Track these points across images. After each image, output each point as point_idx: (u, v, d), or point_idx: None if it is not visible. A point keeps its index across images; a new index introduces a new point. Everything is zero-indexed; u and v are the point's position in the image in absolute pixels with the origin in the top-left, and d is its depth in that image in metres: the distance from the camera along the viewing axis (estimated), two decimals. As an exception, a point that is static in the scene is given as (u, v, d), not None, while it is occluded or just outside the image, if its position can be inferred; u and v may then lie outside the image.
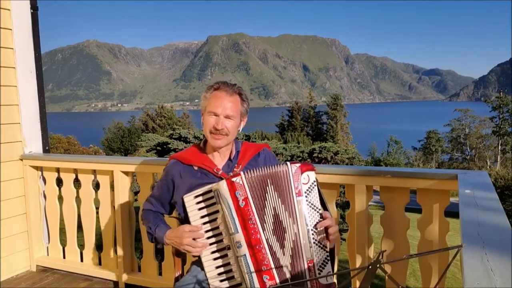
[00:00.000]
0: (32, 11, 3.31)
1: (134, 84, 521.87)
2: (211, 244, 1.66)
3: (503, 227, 1.18)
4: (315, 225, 1.60)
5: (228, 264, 1.63)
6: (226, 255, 1.63)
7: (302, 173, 1.61)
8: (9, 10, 3.15)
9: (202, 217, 1.66)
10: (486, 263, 0.91)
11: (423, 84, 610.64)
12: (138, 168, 2.92)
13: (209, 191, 1.65)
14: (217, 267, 1.64)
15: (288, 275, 1.58)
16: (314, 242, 1.59)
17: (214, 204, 1.64)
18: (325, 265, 1.60)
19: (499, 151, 45.67)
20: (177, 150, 14.84)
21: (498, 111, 46.03)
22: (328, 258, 1.62)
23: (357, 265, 2.33)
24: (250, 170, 1.63)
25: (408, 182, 2.20)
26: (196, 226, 1.66)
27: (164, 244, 1.78)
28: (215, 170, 1.79)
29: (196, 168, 1.81)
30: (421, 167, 40.94)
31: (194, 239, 1.65)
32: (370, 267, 0.95)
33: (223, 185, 1.59)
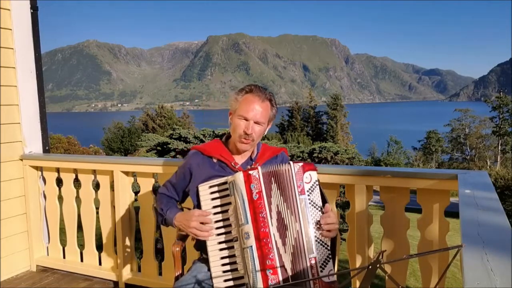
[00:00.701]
0: (32, 11, 3.31)
1: (134, 84, 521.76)
2: (219, 234, 1.68)
3: (503, 227, 1.18)
4: (317, 223, 1.62)
5: (233, 256, 1.64)
6: (232, 247, 1.65)
7: (304, 172, 1.63)
8: (9, 10, 3.14)
9: (214, 207, 1.69)
10: (486, 263, 0.91)
11: (423, 84, 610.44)
12: (138, 168, 2.92)
13: (225, 183, 1.68)
14: (222, 258, 1.66)
15: (290, 272, 1.59)
16: (316, 240, 1.60)
17: (227, 196, 1.67)
18: (327, 263, 1.61)
19: (499, 151, 45.67)
20: (177, 150, 14.84)
21: (498, 111, 46.03)
22: (330, 256, 1.63)
23: (357, 265, 2.33)
24: (266, 166, 1.66)
25: (408, 182, 2.20)
26: (205, 211, 1.69)
27: (172, 226, 1.83)
28: (233, 164, 1.83)
29: (215, 160, 1.86)
30: (421, 167, 40.93)
31: (202, 223, 1.68)
32: (370, 267, 0.95)
33: (239, 176, 1.62)
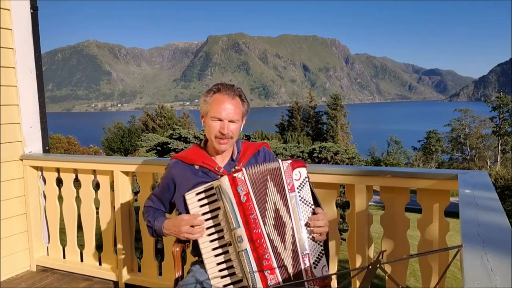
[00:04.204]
0: (32, 11, 3.31)
1: (134, 84, 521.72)
2: (212, 240, 1.67)
3: (503, 227, 1.18)
4: (308, 219, 1.63)
5: (229, 260, 1.64)
6: (227, 252, 1.64)
7: (293, 169, 1.64)
8: (9, 10, 3.14)
9: (204, 214, 1.68)
10: (486, 263, 0.91)
11: (423, 84, 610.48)
12: (138, 168, 2.92)
13: (211, 188, 1.66)
14: (219, 264, 1.65)
15: (290, 269, 1.60)
16: (307, 236, 1.62)
17: (215, 201, 1.65)
18: (320, 258, 1.63)
19: (499, 151, 45.66)
20: (177, 150, 14.84)
21: (498, 111, 46.00)
22: (323, 251, 1.64)
23: (357, 265, 2.33)
24: (251, 166, 1.65)
25: (408, 182, 2.20)
26: (193, 215, 1.68)
27: (163, 235, 1.80)
28: (216, 169, 1.80)
29: (197, 167, 1.83)
30: (421, 167, 40.93)
31: (192, 226, 1.67)
32: (370, 267, 0.95)
33: (225, 181, 1.61)
